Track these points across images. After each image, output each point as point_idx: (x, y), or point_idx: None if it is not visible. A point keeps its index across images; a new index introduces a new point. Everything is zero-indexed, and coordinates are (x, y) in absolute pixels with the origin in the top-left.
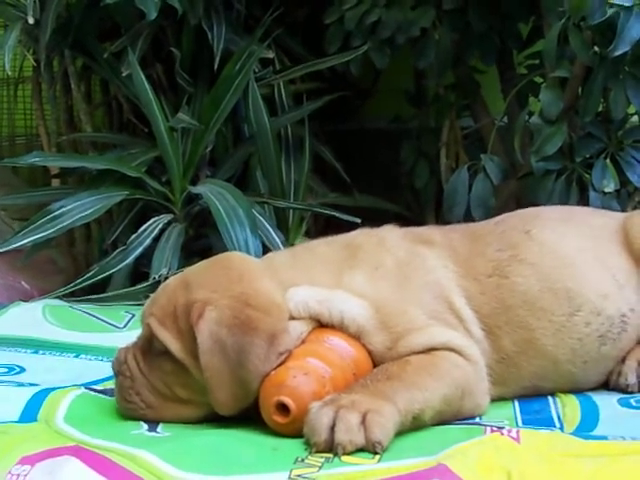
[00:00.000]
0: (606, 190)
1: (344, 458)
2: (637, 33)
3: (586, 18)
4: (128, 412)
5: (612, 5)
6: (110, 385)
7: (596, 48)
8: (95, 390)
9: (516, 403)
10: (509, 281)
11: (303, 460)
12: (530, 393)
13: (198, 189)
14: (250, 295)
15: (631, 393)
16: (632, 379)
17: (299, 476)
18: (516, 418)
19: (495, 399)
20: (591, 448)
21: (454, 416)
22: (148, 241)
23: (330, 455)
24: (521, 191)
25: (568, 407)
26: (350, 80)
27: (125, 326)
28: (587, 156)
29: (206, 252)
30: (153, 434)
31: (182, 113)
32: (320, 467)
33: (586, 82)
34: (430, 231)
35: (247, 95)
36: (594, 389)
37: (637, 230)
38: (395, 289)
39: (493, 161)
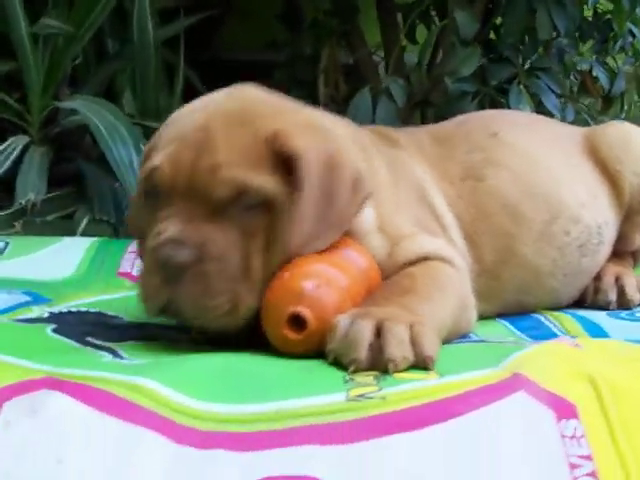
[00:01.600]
0: None
1: (398, 375)
2: None
3: None
4: (207, 315)
5: None
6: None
7: None
8: None
9: (504, 322)
10: (485, 184)
11: (352, 379)
12: (512, 309)
13: (68, 104)
14: (329, 130)
15: (611, 310)
16: (612, 296)
17: (361, 396)
18: (517, 335)
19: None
20: None
21: (455, 332)
22: (8, 164)
23: (377, 373)
24: (425, 116)
25: (565, 322)
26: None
27: (1, 254)
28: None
29: (75, 178)
30: (127, 362)
31: (47, 18)
32: (378, 385)
33: (506, 3)
34: (391, 132)
35: (123, 5)
36: (569, 307)
37: (609, 147)
38: (388, 192)
39: (398, 83)
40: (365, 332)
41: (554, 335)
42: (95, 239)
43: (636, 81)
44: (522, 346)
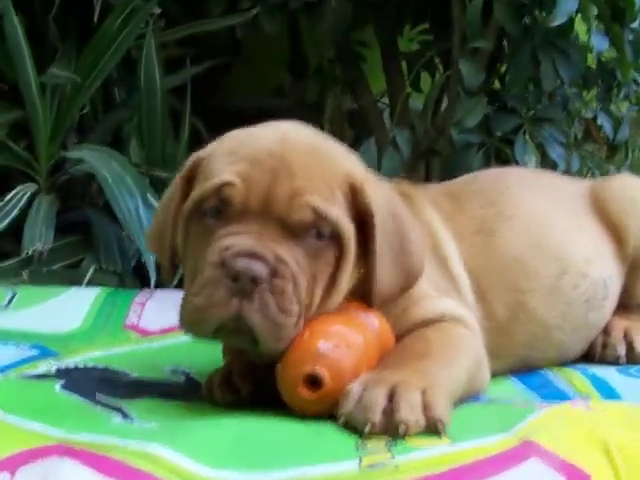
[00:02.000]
0: (528, 165)
1: (410, 441)
2: (573, 5)
3: None
4: (278, 333)
5: None
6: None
7: (526, 20)
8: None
9: (513, 379)
10: (496, 239)
11: (364, 446)
12: (520, 366)
13: (75, 153)
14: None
15: (619, 365)
16: (622, 350)
17: (373, 466)
18: (525, 393)
19: None
20: None
21: (469, 393)
22: (15, 212)
23: (389, 438)
24: (430, 166)
25: (574, 379)
26: (216, 48)
27: (9, 304)
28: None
29: (82, 226)
30: (139, 425)
31: (55, 68)
32: (391, 453)
33: (511, 54)
34: (407, 188)
35: (130, 54)
36: (579, 361)
37: (615, 201)
38: None
39: (403, 133)
40: (379, 398)
41: (564, 393)
42: (101, 289)
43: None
44: (533, 409)
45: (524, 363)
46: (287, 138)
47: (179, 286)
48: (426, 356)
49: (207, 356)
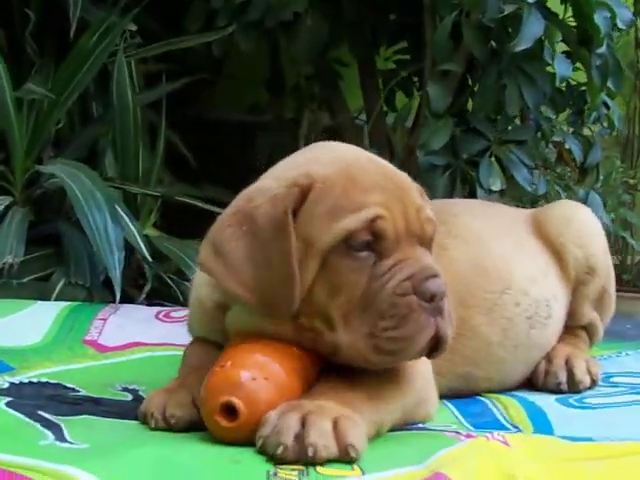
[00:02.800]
0: (493, 188)
1: (322, 470)
2: (538, 29)
3: (484, 13)
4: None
5: (508, 1)
6: None
7: (493, 43)
8: None
9: (452, 407)
10: (447, 254)
11: (276, 474)
12: (461, 385)
13: (48, 168)
14: None
15: (561, 392)
16: (563, 377)
17: None
18: (461, 422)
19: None
20: (585, 450)
21: (406, 424)
22: None
23: (303, 467)
24: None
25: (511, 409)
26: (197, 65)
27: None
28: (472, 153)
29: (51, 240)
30: (67, 445)
31: (31, 84)
32: None
33: (478, 78)
34: None
35: (104, 70)
36: (519, 389)
37: (552, 223)
38: None
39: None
40: (291, 422)
41: (498, 423)
42: (67, 304)
43: (618, 146)
44: (452, 441)
45: (465, 382)
46: (371, 157)
47: (146, 301)
48: (357, 388)
49: (161, 374)
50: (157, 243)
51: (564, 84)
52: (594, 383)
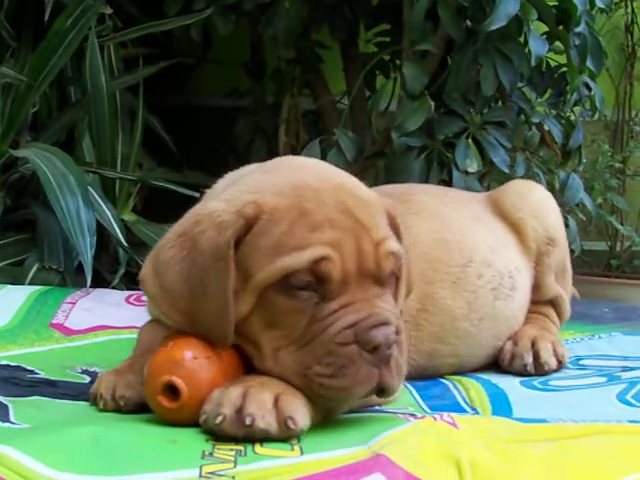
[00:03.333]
0: (469, 170)
1: (260, 450)
2: (513, 8)
3: None
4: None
5: None
6: None
7: (468, 22)
8: None
9: (412, 389)
10: (410, 231)
11: (211, 454)
12: (426, 362)
13: (22, 152)
14: None
15: (529, 374)
16: (529, 359)
17: (212, 473)
18: (419, 404)
19: None
20: (535, 432)
21: (362, 406)
22: None
23: (241, 447)
24: (371, 169)
25: (472, 391)
26: (179, 49)
27: None
28: (449, 135)
29: (28, 225)
30: (8, 425)
31: (5, 67)
32: (235, 462)
33: (454, 58)
34: None
35: (82, 54)
36: (486, 370)
37: (508, 199)
38: None
39: (348, 136)
40: (232, 395)
41: (457, 405)
42: (38, 288)
43: (607, 130)
44: (398, 422)
45: (431, 359)
46: (335, 183)
47: (124, 286)
48: None
49: (123, 356)
50: (134, 228)
51: (544, 65)
52: (561, 365)
